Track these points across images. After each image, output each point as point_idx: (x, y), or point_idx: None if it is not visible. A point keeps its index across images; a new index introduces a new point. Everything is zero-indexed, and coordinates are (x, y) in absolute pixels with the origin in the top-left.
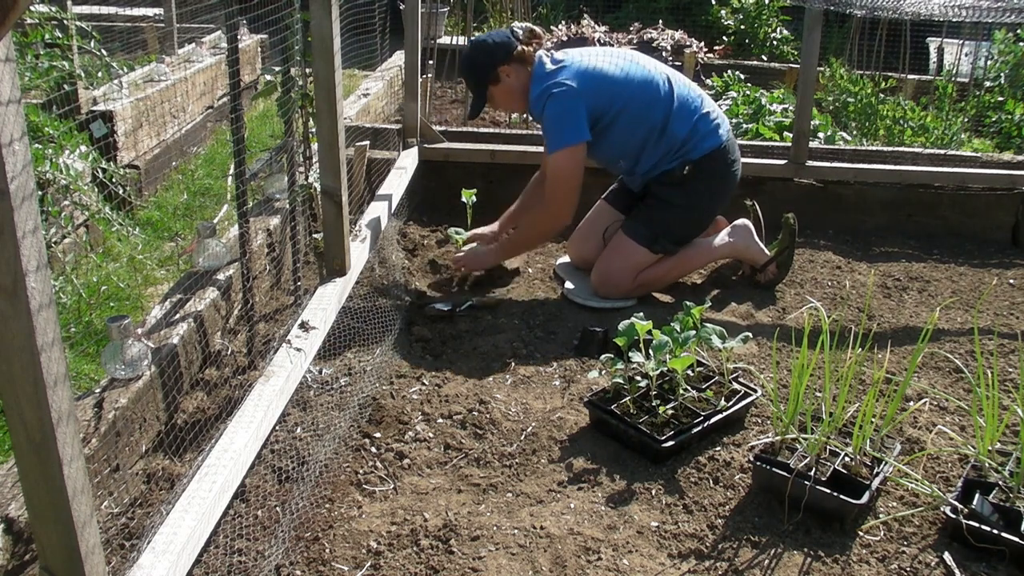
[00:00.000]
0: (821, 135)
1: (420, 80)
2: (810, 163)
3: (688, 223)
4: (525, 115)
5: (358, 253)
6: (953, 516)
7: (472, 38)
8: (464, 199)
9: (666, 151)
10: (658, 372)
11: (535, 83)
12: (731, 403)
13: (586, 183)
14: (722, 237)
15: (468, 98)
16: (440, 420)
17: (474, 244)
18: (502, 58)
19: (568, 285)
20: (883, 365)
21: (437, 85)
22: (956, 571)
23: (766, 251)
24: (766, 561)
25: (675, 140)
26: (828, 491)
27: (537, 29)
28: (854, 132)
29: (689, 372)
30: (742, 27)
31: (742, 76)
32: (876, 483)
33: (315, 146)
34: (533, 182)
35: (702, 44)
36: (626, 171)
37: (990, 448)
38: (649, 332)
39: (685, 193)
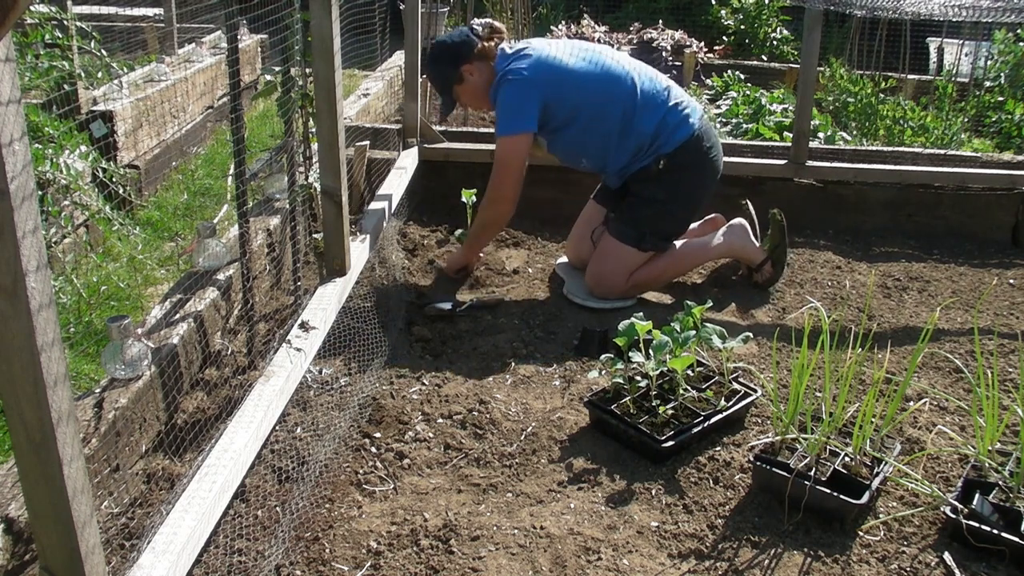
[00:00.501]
0: (821, 135)
1: (420, 80)
2: (810, 163)
3: (671, 217)
4: None
5: (358, 253)
6: (953, 516)
7: (430, 43)
8: (464, 199)
9: (636, 148)
10: (658, 372)
11: (498, 79)
12: (731, 403)
13: (582, 183)
14: (718, 237)
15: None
16: (440, 420)
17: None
18: (464, 57)
19: (568, 285)
20: (883, 365)
21: None
22: (956, 571)
23: (761, 250)
24: (766, 561)
25: (643, 136)
26: (828, 491)
27: (498, 24)
28: (854, 132)
29: (689, 372)
30: (742, 27)
31: (742, 76)
32: (876, 483)
33: (315, 146)
34: None
35: (702, 44)
36: (597, 170)
37: (990, 448)
38: (649, 332)
39: (663, 187)
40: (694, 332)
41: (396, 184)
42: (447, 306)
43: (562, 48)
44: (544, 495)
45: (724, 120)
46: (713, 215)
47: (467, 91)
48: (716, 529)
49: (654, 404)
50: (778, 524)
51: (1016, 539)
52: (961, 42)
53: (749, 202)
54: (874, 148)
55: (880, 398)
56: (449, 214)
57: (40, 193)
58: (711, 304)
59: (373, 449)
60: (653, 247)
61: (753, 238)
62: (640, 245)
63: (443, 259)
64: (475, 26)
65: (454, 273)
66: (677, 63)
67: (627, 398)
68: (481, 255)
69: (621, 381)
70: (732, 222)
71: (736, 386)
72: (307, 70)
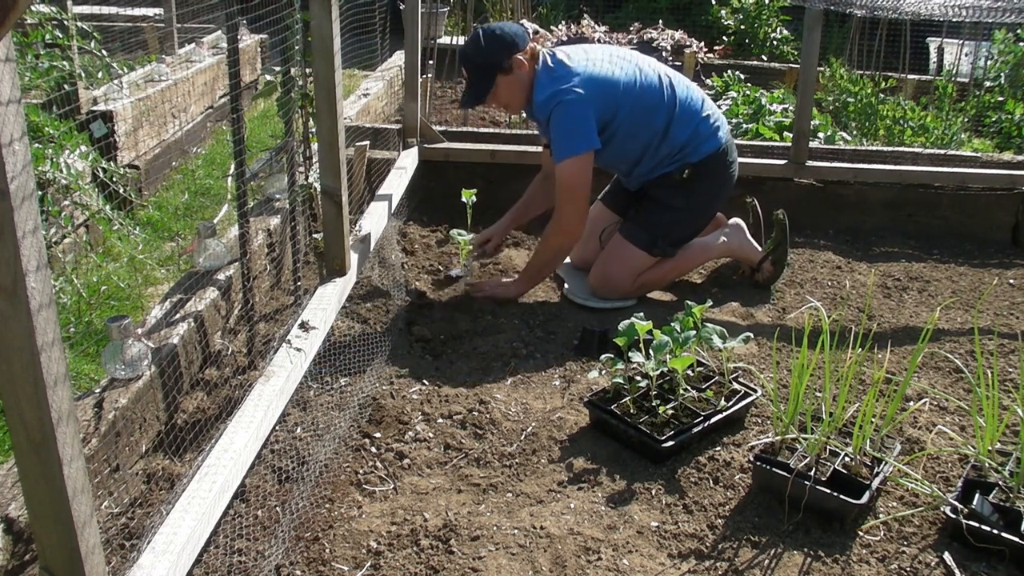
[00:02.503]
0: (821, 135)
1: (420, 80)
2: (810, 163)
3: (686, 225)
4: (525, 115)
5: (358, 253)
6: (953, 516)
7: (483, 27)
8: (464, 199)
9: (667, 154)
10: (658, 372)
11: (541, 85)
12: (731, 403)
13: None
14: (718, 237)
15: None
16: (440, 420)
17: (476, 254)
18: (519, 46)
19: (568, 285)
20: (883, 365)
21: (437, 85)
22: (956, 571)
23: (760, 249)
24: (766, 561)
25: (675, 144)
26: (828, 491)
27: (538, 27)
28: (854, 132)
29: (689, 372)
30: (742, 27)
31: (742, 76)
32: (876, 483)
33: (315, 146)
34: (536, 181)
35: (702, 44)
36: (624, 173)
37: (990, 448)
38: (649, 332)
39: (683, 195)
40: (694, 332)
41: (396, 184)
42: (460, 272)
43: (606, 61)
44: (544, 495)
45: None
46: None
47: (510, 84)
48: (716, 529)
49: (654, 404)
50: (778, 524)
51: (1016, 539)
52: (961, 42)
53: (756, 200)
54: (874, 148)
55: (880, 398)
56: (449, 214)
57: (40, 193)
58: (711, 304)
59: (373, 449)
60: (663, 252)
61: (751, 237)
62: (651, 249)
63: (480, 285)
64: (525, 24)
65: (502, 303)
66: (677, 63)
67: (627, 398)
68: (480, 263)
69: (621, 381)
70: (730, 222)
71: (736, 386)
72: (307, 70)
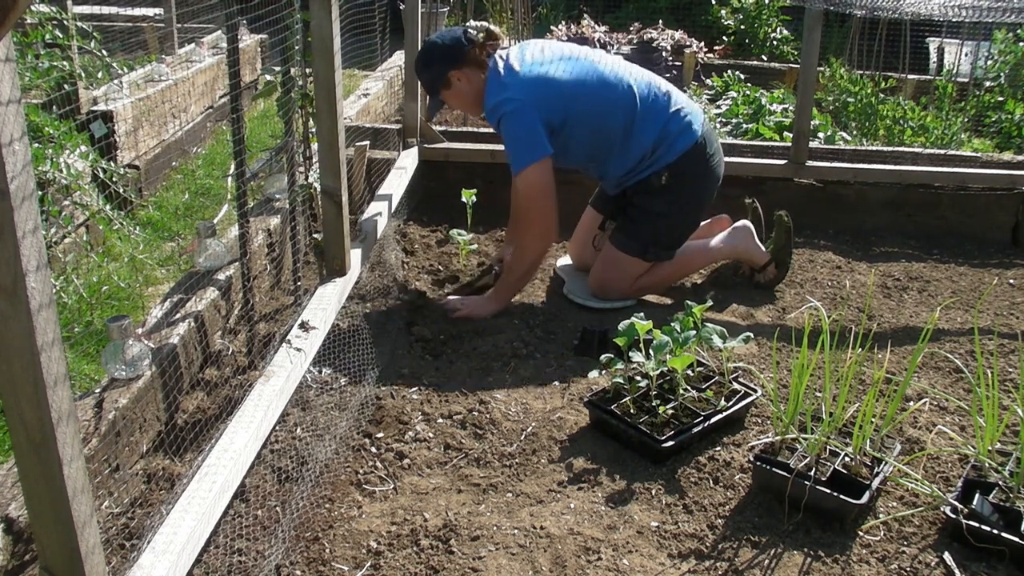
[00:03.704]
0: (821, 135)
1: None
2: (810, 163)
3: (676, 228)
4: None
5: (358, 253)
6: (953, 516)
7: (424, 41)
8: (464, 199)
9: (639, 157)
10: (658, 372)
11: (490, 91)
12: (731, 403)
13: (583, 183)
14: (722, 238)
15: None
16: (440, 420)
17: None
18: (453, 63)
19: (568, 285)
20: (883, 365)
21: None
22: (956, 571)
23: (765, 252)
24: (766, 561)
25: (645, 145)
26: (828, 491)
27: (495, 29)
28: (854, 132)
29: (689, 372)
30: (742, 27)
31: (742, 76)
32: (876, 483)
33: (315, 146)
34: (514, 208)
35: (702, 44)
36: (598, 177)
37: (990, 448)
38: (649, 332)
39: (666, 201)
40: (694, 332)
41: (396, 184)
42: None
43: (552, 58)
44: (544, 495)
45: (724, 120)
46: (720, 216)
47: (454, 97)
48: (716, 529)
49: (654, 404)
50: (778, 524)
51: (1016, 539)
52: (961, 42)
53: (756, 201)
54: (874, 148)
55: (880, 398)
56: (449, 214)
57: (40, 193)
58: (711, 304)
59: (373, 449)
60: (656, 257)
61: (757, 240)
62: (644, 256)
63: (455, 302)
64: (470, 30)
65: (479, 320)
66: (677, 63)
67: (627, 398)
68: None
69: (621, 381)
70: (737, 224)
71: (736, 386)
72: (307, 70)
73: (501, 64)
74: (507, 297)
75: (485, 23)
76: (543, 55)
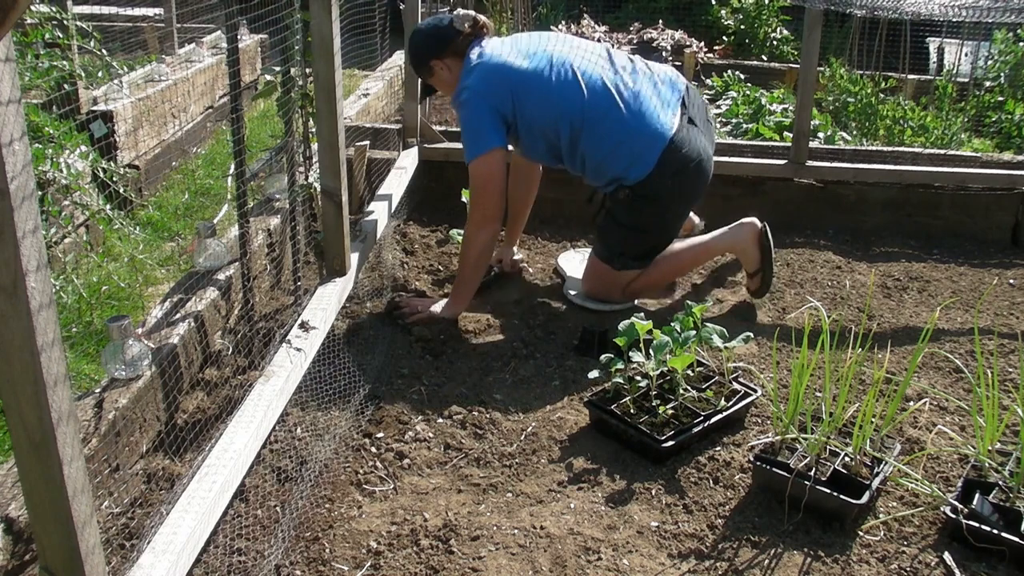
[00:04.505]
0: (821, 135)
1: (420, 80)
2: (810, 163)
3: (643, 241)
4: None
5: (358, 253)
6: (953, 516)
7: (414, 28)
8: (464, 199)
9: (592, 169)
10: (658, 372)
11: (459, 80)
12: (731, 403)
13: (582, 182)
14: (724, 230)
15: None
16: (440, 420)
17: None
18: (434, 52)
19: (568, 284)
20: (883, 365)
21: None
22: (956, 571)
23: (758, 262)
24: (766, 561)
25: (592, 161)
26: (828, 491)
27: (481, 18)
28: (854, 132)
29: (689, 372)
30: (742, 27)
31: (742, 76)
32: (876, 483)
33: (315, 146)
34: (510, 174)
35: (702, 44)
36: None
37: (990, 448)
38: (649, 332)
39: (633, 215)
40: (694, 332)
41: (396, 184)
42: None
43: (519, 49)
44: (544, 495)
45: (724, 120)
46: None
47: (438, 84)
48: (716, 529)
49: (654, 404)
50: (778, 524)
51: (1016, 539)
52: (961, 42)
53: (766, 226)
54: (874, 148)
55: (880, 398)
56: (449, 214)
57: (40, 193)
58: (711, 304)
59: (373, 449)
60: (624, 266)
61: (758, 246)
62: (612, 264)
63: (412, 304)
64: (455, 19)
65: (430, 323)
66: (677, 63)
67: (627, 398)
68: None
69: (621, 381)
70: (745, 220)
71: (736, 386)
72: (307, 70)
73: (475, 53)
74: (465, 295)
75: (471, 12)
76: (513, 46)
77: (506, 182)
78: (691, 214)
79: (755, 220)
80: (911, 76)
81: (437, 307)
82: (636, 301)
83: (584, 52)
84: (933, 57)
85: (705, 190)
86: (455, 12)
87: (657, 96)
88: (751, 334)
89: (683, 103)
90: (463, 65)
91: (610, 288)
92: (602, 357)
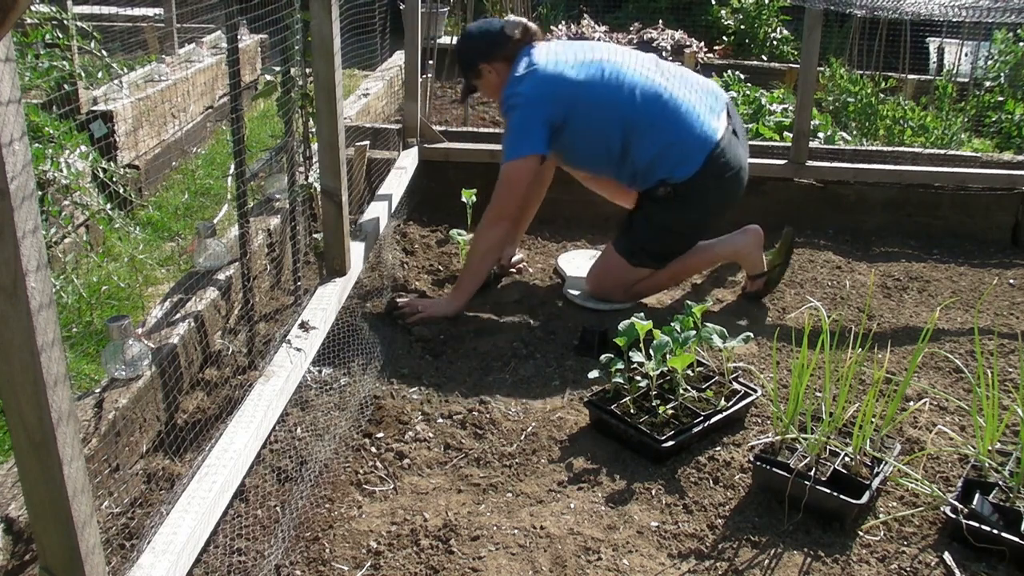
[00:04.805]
0: (821, 135)
1: (420, 80)
2: (810, 163)
3: (669, 243)
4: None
5: (358, 253)
6: (953, 516)
7: (467, 25)
8: (464, 199)
9: (640, 171)
10: (658, 372)
11: (508, 84)
12: (731, 403)
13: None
14: (727, 237)
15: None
16: (440, 420)
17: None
18: (484, 56)
19: (568, 284)
20: (883, 365)
21: (437, 85)
22: (956, 571)
23: (764, 264)
24: (766, 561)
25: (641, 163)
26: (828, 491)
27: (532, 26)
28: (854, 132)
29: (689, 372)
30: (742, 27)
31: (742, 76)
32: (876, 483)
33: (315, 146)
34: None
35: (702, 44)
36: (613, 177)
37: (990, 448)
38: (649, 332)
39: (666, 214)
40: (694, 332)
41: (396, 184)
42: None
43: (572, 58)
44: (544, 495)
45: None
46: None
47: (483, 87)
48: (716, 529)
49: (654, 404)
50: (778, 524)
51: (1016, 539)
52: (961, 42)
53: (792, 231)
54: (874, 148)
55: (880, 398)
56: (449, 214)
57: (40, 193)
58: (711, 304)
59: (373, 449)
60: (642, 264)
61: (761, 250)
62: (631, 259)
63: (412, 305)
64: (507, 26)
65: (433, 321)
66: (677, 63)
67: (627, 398)
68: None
69: (621, 381)
70: (748, 227)
71: (736, 386)
72: (307, 70)
73: (525, 59)
74: (469, 288)
75: (523, 19)
76: (565, 54)
77: (526, 190)
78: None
79: (757, 227)
80: (911, 76)
81: (438, 305)
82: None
83: (634, 60)
84: (933, 57)
85: (738, 201)
86: (507, 18)
87: (704, 103)
88: (751, 334)
89: (728, 113)
90: (511, 70)
91: (616, 285)
92: (602, 357)
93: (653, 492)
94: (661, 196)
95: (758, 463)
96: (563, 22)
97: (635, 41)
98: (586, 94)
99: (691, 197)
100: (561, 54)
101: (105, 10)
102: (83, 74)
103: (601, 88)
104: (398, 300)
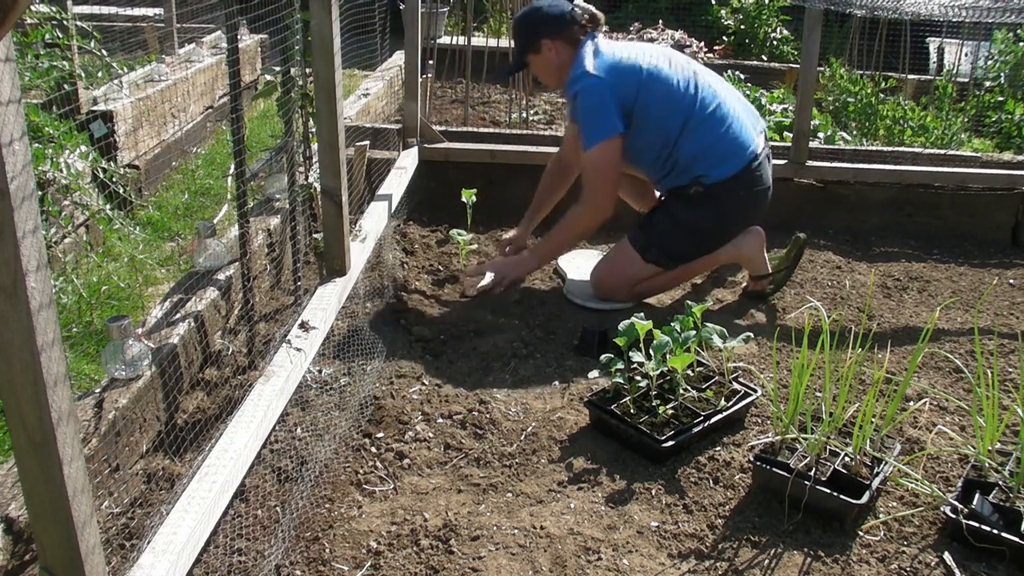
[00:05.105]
0: (821, 135)
1: (420, 80)
2: (810, 163)
3: (685, 243)
4: (525, 115)
5: (358, 253)
6: (953, 516)
7: (529, 5)
8: (464, 199)
9: (681, 165)
10: (658, 372)
11: (574, 67)
12: (731, 403)
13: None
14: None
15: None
16: (440, 420)
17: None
18: (550, 32)
19: (568, 285)
20: (883, 365)
21: (437, 85)
22: (956, 571)
23: (768, 266)
24: (766, 561)
25: (686, 155)
26: (828, 491)
27: (599, 15)
28: (854, 132)
29: (689, 372)
30: (742, 27)
31: (742, 76)
32: (876, 483)
33: (315, 146)
34: (551, 163)
35: (702, 44)
36: (648, 175)
37: (990, 448)
38: (649, 332)
39: (691, 211)
40: (694, 332)
41: (396, 184)
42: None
43: (637, 51)
44: (544, 495)
45: None
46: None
47: (538, 63)
48: (716, 529)
49: (654, 404)
50: (778, 524)
51: (1016, 539)
52: (961, 42)
53: (804, 237)
54: (874, 148)
55: (880, 398)
56: (449, 214)
57: (40, 193)
58: (711, 304)
59: (373, 449)
60: (655, 260)
61: (764, 252)
62: (644, 254)
63: (497, 269)
64: (576, 9)
65: (520, 281)
66: None
67: (627, 398)
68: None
69: (621, 381)
70: (750, 228)
71: (736, 386)
72: (307, 70)
73: (591, 46)
74: (546, 258)
75: (591, 7)
76: (630, 47)
77: (620, 173)
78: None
79: (759, 229)
80: (911, 76)
81: (517, 267)
82: (635, 303)
83: (691, 63)
84: (933, 57)
85: (756, 220)
86: (576, 2)
87: (749, 119)
88: (751, 334)
89: (765, 136)
90: (575, 54)
91: (621, 281)
92: (602, 357)
93: (653, 492)
94: (691, 194)
95: (758, 463)
96: None
97: (635, 41)
98: (653, 87)
99: (720, 200)
100: (626, 48)
101: (105, 10)
102: (83, 74)
103: (665, 84)
104: (472, 290)
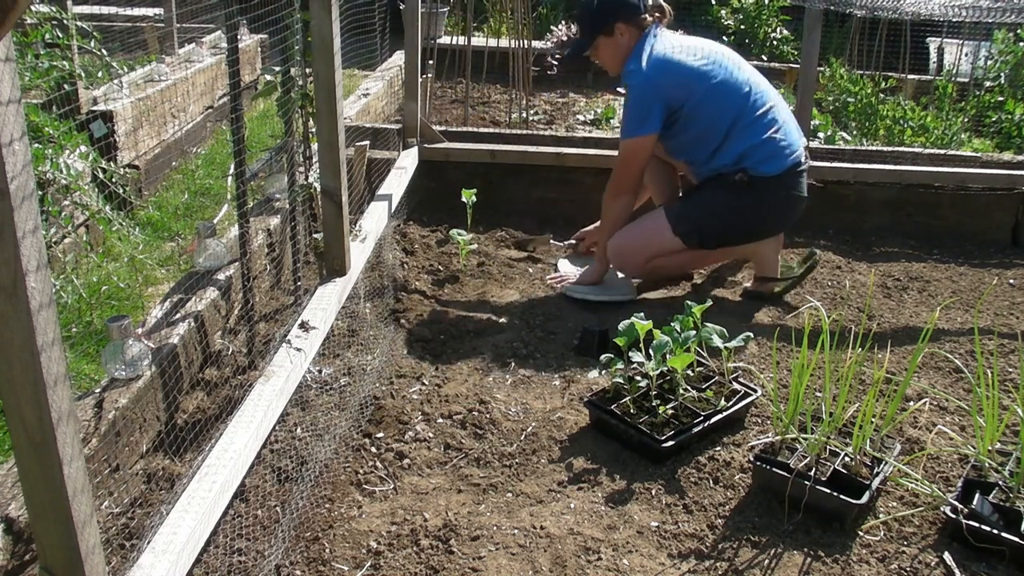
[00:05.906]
0: (821, 135)
1: (420, 80)
2: (810, 163)
3: (723, 226)
4: (525, 115)
5: (358, 253)
6: (953, 516)
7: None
8: (464, 199)
9: (719, 167)
10: (658, 372)
11: (632, 57)
12: (731, 403)
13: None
14: None
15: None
16: (440, 420)
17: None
18: (625, 16)
19: (568, 284)
20: (883, 365)
21: (437, 85)
22: (956, 571)
23: (778, 270)
24: (766, 561)
25: (729, 156)
26: (828, 491)
27: (667, 7)
28: (854, 132)
29: (689, 372)
30: (742, 27)
31: None
32: (876, 483)
33: (315, 146)
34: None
35: None
36: (690, 166)
37: (990, 448)
38: (649, 332)
39: (733, 196)
40: (694, 332)
41: (396, 184)
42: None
43: (692, 49)
44: (544, 495)
45: None
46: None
47: (607, 46)
48: (716, 529)
49: (654, 404)
50: (778, 524)
51: (1016, 539)
52: (961, 42)
53: (818, 256)
54: (874, 148)
55: (880, 398)
56: (449, 214)
57: (40, 193)
58: (711, 304)
59: (373, 449)
60: (685, 234)
61: (777, 256)
62: (676, 229)
63: (557, 274)
64: None
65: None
66: None
67: (627, 398)
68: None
69: (621, 381)
70: None
71: (736, 386)
72: (307, 70)
73: (652, 38)
74: (602, 251)
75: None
76: (689, 44)
77: (645, 165)
78: None
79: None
80: (911, 76)
81: (590, 276)
82: (638, 296)
83: (746, 65)
84: (933, 57)
85: (786, 227)
86: None
87: (795, 127)
88: (751, 334)
89: (807, 149)
90: (639, 43)
91: (642, 249)
92: (602, 357)
93: (653, 492)
94: (736, 180)
95: (758, 463)
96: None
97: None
98: (706, 84)
99: (761, 192)
100: (684, 46)
101: (105, 10)
102: (83, 74)
103: (719, 82)
104: (560, 283)
